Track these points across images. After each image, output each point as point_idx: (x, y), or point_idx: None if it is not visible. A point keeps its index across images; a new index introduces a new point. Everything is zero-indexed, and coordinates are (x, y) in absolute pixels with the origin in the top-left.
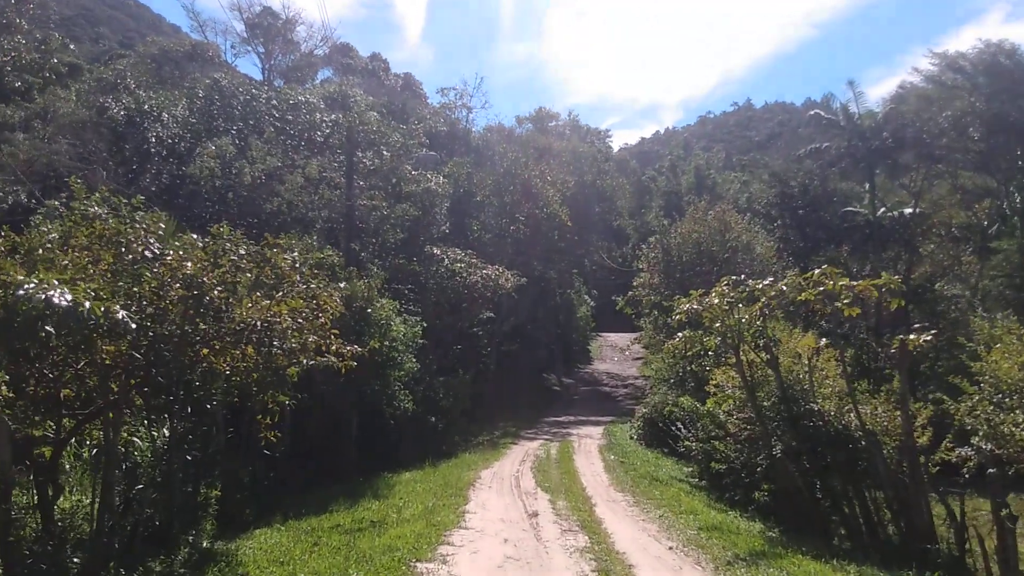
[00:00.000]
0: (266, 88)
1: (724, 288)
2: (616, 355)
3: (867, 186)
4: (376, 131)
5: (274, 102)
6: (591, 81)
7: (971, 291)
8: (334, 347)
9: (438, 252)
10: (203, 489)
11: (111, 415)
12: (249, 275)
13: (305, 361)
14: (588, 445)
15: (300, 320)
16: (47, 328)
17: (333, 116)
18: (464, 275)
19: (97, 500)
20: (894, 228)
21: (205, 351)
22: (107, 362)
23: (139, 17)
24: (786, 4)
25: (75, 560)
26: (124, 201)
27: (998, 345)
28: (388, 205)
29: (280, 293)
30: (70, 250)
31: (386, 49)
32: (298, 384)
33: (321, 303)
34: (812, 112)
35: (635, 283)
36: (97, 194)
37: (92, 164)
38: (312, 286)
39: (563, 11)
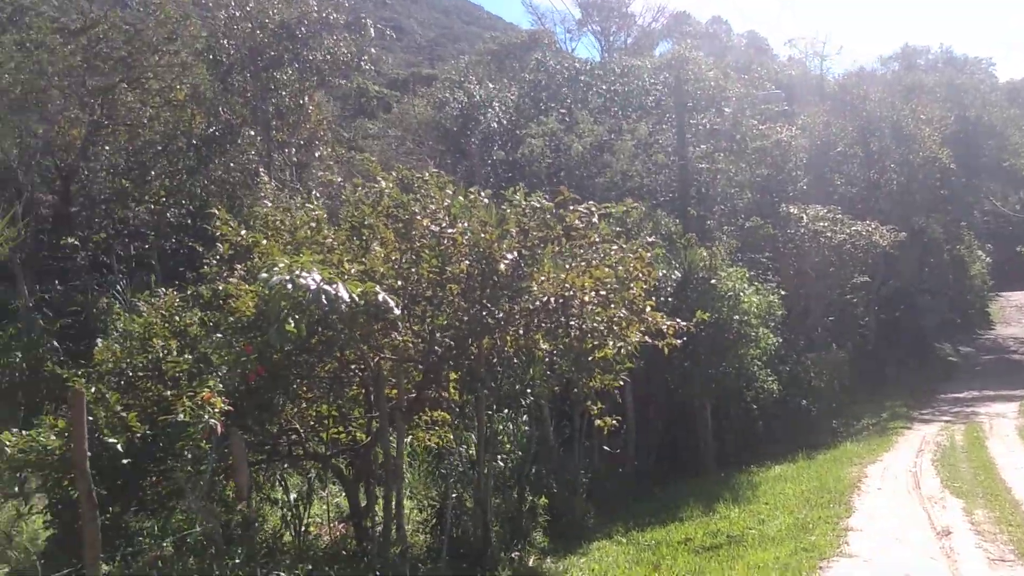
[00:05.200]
0: (592, 62)
1: None
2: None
3: None
4: (715, 86)
5: (599, 72)
6: (964, 14)
7: None
8: (648, 323)
9: (795, 211)
10: (528, 496)
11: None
12: (539, 235)
13: (612, 343)
14: (1002, 427)
15: (603, 293)
16: (293, 316)
17: (663, 76)
18: (829, 235)
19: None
20: None
21: (487, 341)
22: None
23: (493, 28)
24: None
25: None
26: (418, 175)
27: None
28: (733, 165)
29: (575, 261)
30: (339, 230)
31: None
32: (635, 368)
33: (631, 269)
34: None
35: None
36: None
37: (427, 159)
38: (615, 249)
39: None
